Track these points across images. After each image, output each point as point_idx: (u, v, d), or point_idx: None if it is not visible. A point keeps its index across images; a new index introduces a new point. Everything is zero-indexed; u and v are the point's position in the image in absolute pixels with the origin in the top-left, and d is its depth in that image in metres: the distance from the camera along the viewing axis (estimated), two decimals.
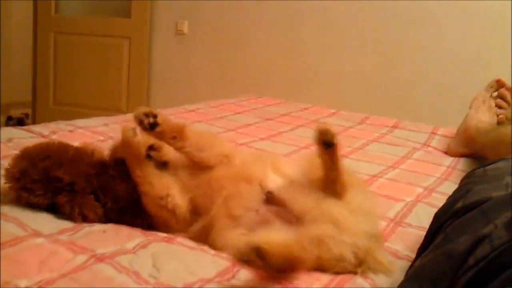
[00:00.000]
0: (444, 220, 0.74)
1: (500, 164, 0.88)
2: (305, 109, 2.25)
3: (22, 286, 0.66)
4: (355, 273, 0.78)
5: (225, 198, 0.86)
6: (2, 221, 0.82)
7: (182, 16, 3.86)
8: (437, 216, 0.78)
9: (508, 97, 1.71)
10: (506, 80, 1.77)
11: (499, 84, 1.75)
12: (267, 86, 3.51)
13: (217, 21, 3.74)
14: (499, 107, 1.72)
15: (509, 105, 1.71)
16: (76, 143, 1.36)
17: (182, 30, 3.86)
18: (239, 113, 2.04)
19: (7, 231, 0.79)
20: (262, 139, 1.64)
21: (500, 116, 1.68)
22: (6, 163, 1.11)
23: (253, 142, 1.59)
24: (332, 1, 3.35)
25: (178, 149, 0.90)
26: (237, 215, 0.84)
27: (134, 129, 0.88)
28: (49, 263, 0.72)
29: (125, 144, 0.90)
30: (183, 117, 1.85)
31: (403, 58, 3.21)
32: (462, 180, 0.91)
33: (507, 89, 1.72)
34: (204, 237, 0.85)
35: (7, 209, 0.87)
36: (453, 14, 3.04)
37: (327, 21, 3.40)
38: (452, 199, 0.79)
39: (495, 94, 1.76)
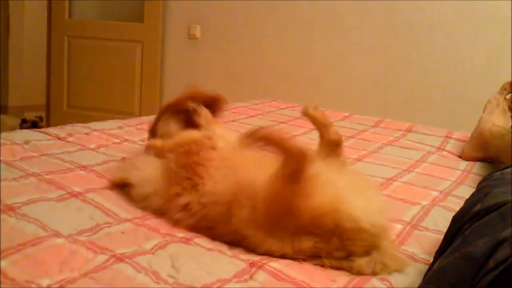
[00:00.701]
0: (463, 223, 0.73)
1: None
2: None
3: (44, 285, 0.67)
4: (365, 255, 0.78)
5: None
6: (23, 222, 0.84)
7: (195, 20, 3.88)
8: (455, 219, 0.78)
9: None
10: None
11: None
12: (279, 90, 3.51)
13: (229, 25, 3.76)
14: None
15: None
16: (92, 146, 1.39)
17: (195, 34, 3.88)
18: (252, 116, 2.04)
19: (28, 232, 0.81)
20: None
21: None
22: (24, 165, 1.14)
23: None
24: (343, 5, 3.36)
25: None
26: None
27: None
28: (69, 263, 0.73)
29: None
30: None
31: (415, 62, 3.20)
32: (479, 183, 0.90)
33: None
34: None
35: (27, 210, 0.89)
36: (465, 17, 3.03)
37: (339, 25, 3.40)
38: (470, 202, 0.79)
39: (508, 96, 1.75)
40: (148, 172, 1.01)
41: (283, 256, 0.80)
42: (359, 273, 0.79)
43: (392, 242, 0.86)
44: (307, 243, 0.79)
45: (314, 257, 0.80)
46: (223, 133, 1.06)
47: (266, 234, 0.81)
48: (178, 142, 0.99)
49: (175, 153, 0.98)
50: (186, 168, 0.94)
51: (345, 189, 0.82)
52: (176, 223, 0.92)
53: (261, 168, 0.89)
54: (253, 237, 0.82)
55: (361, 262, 0.79)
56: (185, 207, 0.91)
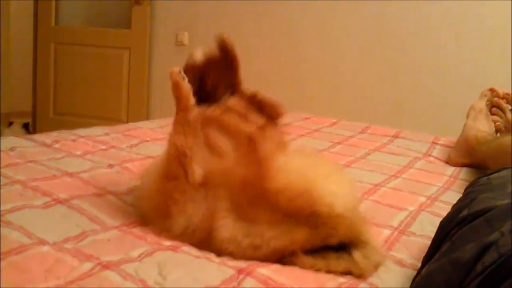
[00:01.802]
0: (450, 229, 0.74)
1: (503, 173, 0.88)
2: (306, 119, 2.25)
3: None
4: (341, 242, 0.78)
5: None
6: (8, 229, 0.83)
7: (182, 27, 3.88)
8: (442, 225, 0.79)
9: (503, 105, 1.73)
10: (506, 89, 1.78)
11: (492, 93, 1.77)
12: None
13: (217, 32, 3.75)
14: (495, 115, 1.74)
15: (504, 113, 1.73)
16: (78, 152, 1.37)
17: (182, 41, 3.88)
18: None
19: (12, 239, 0.79)
20: None
21: (497, 123, 1.70)
22: (8, 172, 1.12)
23: None
24: (331, 12, 3.38)
25: None
26: None
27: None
28: (55, 271, 0.72)
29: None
30: None
31: (401, 69, 3.23)
32: (466, 189, 0.91)
33: (504, 96, 1.74)
34: None
35: (12, 218, 0.87)
36: (451, 24, 3.06)
37: (326, 32, 3.42)
38: (457, 208, 0.79)
39: (489, 102, 1.78)
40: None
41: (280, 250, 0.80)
42: (355, 270, 0.78)
43: (369, 232, 0.85)
44: (301, 233, 0.78)
45: (288, 254, 0.79)
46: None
47: (248, 221, 0.79)
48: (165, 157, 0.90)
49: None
50: (160, 194, 0.88)
51: (308, 170, 0.81)
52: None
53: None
54: (242, 249, 0.80)
55: (353, 258, 0.78)
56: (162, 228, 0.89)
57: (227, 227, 0.81)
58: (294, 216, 0.77)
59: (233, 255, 0.81)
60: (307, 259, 0.79)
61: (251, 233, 0.80)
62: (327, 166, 0.92)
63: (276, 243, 0.79)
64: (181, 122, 0.86)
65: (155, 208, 0.89)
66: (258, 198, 0.78)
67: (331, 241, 0.79)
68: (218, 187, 0.82)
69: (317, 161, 0.91)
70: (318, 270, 0.78)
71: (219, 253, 0.82)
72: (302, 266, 0.79)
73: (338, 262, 0.79)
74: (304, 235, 0.78)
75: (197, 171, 0.84)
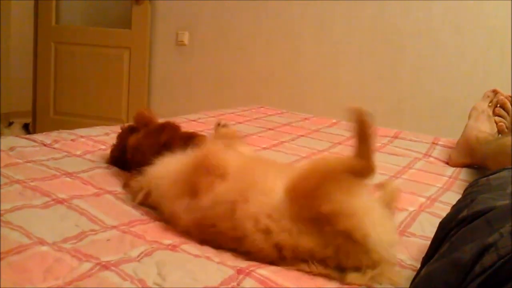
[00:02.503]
0: (449, 229, 0.74)
1: (503, 174, 0.88)
2: (306, 119, 2.25)
3: None
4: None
5: None
6: (7, 229, 0.82)
7: (183, 27, 3.88)
8: (442, 225, 0.78)
9: (508, 104, 1.72)
10: (505, 90, 1.78)
11: (495, 94, 1.76)
12: (266, 97, 3.52)
13: (218, 32, 3.76)
14: (498, 115, 1.73)
15: (508, 113, 1.72)
16: (78, 152, 1.37)
17: (183, 41, 3.88)
18: (240, 122, 2.04)
19: (12, 239, 0.79)
20: (264, 148, 1.64)
21: (500, 123, 1.69)
22: (8, 172, 1.12)
23: (256, 151, 1.59)
24: (331, 13, 3.38)
25: None
26: None
27: None
28: (54, 271, 0.72)
29: None
30: (184, 127, 1.84)
31: (402, 69, 3.23)
32: (465, 190, 0.91)
33: (507, 97, 1.74)
34: None
35: (11, 218, 0.87)
36: (451, 24, 3.06)
37: (326, 32, 3.42)
38: (457, 208, 0.79)
39: (492, 103, 1.77)
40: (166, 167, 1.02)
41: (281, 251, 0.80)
42: (349, 284, 0.78)
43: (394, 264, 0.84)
44: (307, 242, 0.78)
45: (300, 260, 0.79)
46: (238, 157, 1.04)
47: (288, 206, 0.81)
48: (199, 156, 0.98)
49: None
50: (188, 182, 0.93)
51: (377, 208, 0.83)
52: (171, 216, 0.93)
53: (268, 170, 0.92)
54: (255, 231, 0.81)
55: (353, 276, 0.78)
56: (185, 206, 0.91)
57: (257, 203, 0.82)
58: (323, 222, 0.78)
59: (245, 234, 0.82)
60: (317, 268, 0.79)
61: (271, 216, 0.81)
62: (384, 212, 0.93)
63: (283, 238, 0.80)
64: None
65: (185, 186, 0.93)
66: (313, 191, 0.79)
67: (330, 262, 0.79)
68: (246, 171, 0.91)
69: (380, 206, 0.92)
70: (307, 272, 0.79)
71: (231, 232, 0.84)
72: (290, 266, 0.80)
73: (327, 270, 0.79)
74: (310, 246, 0.78)
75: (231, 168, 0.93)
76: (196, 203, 0.90)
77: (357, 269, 0.78)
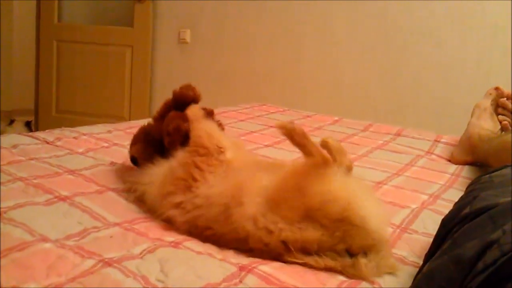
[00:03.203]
0: (452, 226, 0.74)
1: (506, 171, 0.88)
2: (308, 116, 2.25)
3: None
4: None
5: None
6: (10, 226, 0.83)
7: (185, 25, 3.88)
8: (444, 222, 0.78)
9: (508, 105, 1.72)
10: (507, 88, 1.78)
11: (498, 92, 1.76)
12: (269, 94, 3.52)
13: (219, 30, 3.76)
14: (501, 113, 1.73)
15: (510, 112, 1.72)
16: (80, 150, 1.38)
17: (185, 39, 3.88)
18: (242, 120, 2.04)
19: (14, 236, 0.80)
20: (266, 146, 1.64)
21: (504, 122, 1.68)
22: (11, 169, 1.13)
23: (258, 149, 1.59)
24: (333, 10, 3.38)
25: None
26: None
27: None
28: (57, 268, 0.72)
29: None
30: None
31: (404, 66, 3.22)
32: (468, 187, 0.91)
33: (507, 96, 1.73)
34: None
35: (14, 215, 0.88)
36: (454, 22, 3.06)
37: (328, 31, 3.42)
38: (459, 205, 0.79)
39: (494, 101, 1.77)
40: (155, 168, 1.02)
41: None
42: (353, 274, 0.78)
43: (389, 248, 0.87)
44: (313, 233, 0.79)
45: (306, 254, 0.80)
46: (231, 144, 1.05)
47: (275, 213, 0.81)
48: (193, 139, 1.00)
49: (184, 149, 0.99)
50: (184, 167, 0.94)
51: (358, 190, 0.85)
52: (168, 220, 0.92)
53: (261, 171, 0.92)
54: (259, 229, 0.81)
55: (358, 262, 0.78)
56: (178, 205, 0.91)
57: (252, 205, 0.83)
58: (319, 217, 0.79)
59: (248, 234, 0.82)
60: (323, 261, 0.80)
61: (270, 217, 0.82)
62: (370, 193, 0.97)
63: (287, 235, 0.80)
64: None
65: (176, 182, 0.93)
66: (297, 190, 0.81)
67: (339, 247, 0.80)
68: (238, 171, 0.92)
69: (364, 187, 0.95)
70: (311, 266, 0.80)
71: (232, 234, 0.84)
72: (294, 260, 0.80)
73: (335, 262, 0.79)
74: (317, 236, 0.79)
75: (229, 150, 0.97)
76: (188, 201, 0.90)
77: (364, 254, 0.80)
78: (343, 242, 0.79)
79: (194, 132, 1.01)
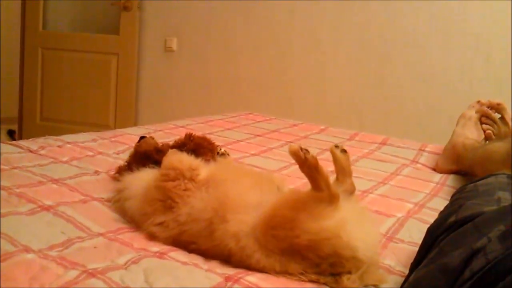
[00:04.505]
0: (438, 235, 0.74)
1: (490, 180, 0.89)
2: (294, 125, 2.25)
3: None
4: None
5: None
6: None
7: (171, 33, 3.87)
8: (430, 231, 0.79)
9: (491, 115, 1.74)
10: (491, 97, 1.80)
11: (480, 106, 1.78)
12: (255, 103, 3.52)
13: (206, 38, 3.76)
14: (485, 123, 1.75)
15: (495, 122, 1.74)
16: (65, 158, 1.36)
17: (171, 47, 3.87)
18: (229, 129, 2.04)
19: None
20: (253, 155, 1.64)
21: (488, 131, 1.70)
22: None
23: (244, 158, 1.59)
24: (318, 20, 3.40)
25: None
26: None
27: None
28: (39, 279, 0.71)
29: None
30: (173, 133, 1.84)
31: (389, 76, 3.25)
32: (453, 195, 0.91)
33: (494, 106, 1.75)
34: None
35: None
36: (437, 32, 3.09)
37: (314, 39, 3.43)
38: (445, 214, 0.80)
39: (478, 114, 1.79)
40: (137, 182, 1.01)
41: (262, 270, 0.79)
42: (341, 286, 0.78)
43: (377, 264, 0.86)
44: (294, 267, 0.78)
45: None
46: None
47: (258, 245, 0.80)
48: (164, 163, 0.98)
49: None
50: (158, 190, 0.93)
51: (350, 217, 0.82)
52: (151, 237, 0.90)
53: (243, 184, 0.91)
54: (240, 249, 0.80)
55: (341, 279, 0.78)
56: (160, 224, 0.90)
57: (236, 223, 0.82)
58: (305, 252, 0.77)
59: (230, 252, 0.81)
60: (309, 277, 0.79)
61: (250, 243, 0.80)
62: (362, 213, 0.93)
63: (264, 265, 0.79)
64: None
65: (153, 203, 0.92)
66: (287, 225, 0.78)
67: (324, 273, 0.79)
68: (220, 185, 0.90)
69: (357, 208, 0.93)
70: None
71: (215, 250, 0.83)
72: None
73: (318, 277, 0.79)
74: (300, 269, 0.78)
75: (203, 169, 0.96)
76: (171, 220, 0.89)
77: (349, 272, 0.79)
78: (329, 269, 0.78)
79: (164, 158, 1.00)
